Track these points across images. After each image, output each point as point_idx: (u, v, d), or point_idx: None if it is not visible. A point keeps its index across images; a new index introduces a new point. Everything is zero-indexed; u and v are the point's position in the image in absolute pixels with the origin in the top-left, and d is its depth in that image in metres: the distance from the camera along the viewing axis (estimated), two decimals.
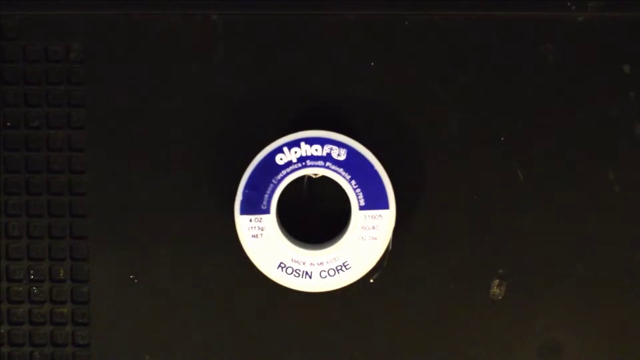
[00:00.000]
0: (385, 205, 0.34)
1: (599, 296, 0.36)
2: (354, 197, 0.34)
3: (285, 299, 0.36)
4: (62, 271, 0.36)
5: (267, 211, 0.34)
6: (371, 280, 0.36)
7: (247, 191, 0.34)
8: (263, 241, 0.34)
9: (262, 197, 0.34)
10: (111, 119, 0.36)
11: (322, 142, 0.34)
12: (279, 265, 0.34)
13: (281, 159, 0.34)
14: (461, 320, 0.36)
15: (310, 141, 0.34)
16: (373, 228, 0.34)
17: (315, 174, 0.34)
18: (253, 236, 0.34)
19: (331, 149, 0.34)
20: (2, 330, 0.37)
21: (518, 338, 0.36)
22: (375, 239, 0.34)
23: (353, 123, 0.35)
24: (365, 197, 0.34)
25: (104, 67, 0.36)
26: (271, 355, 0.37)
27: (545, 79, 0.36)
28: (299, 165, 0.34)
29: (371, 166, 0.34)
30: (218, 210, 0.36)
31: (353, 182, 0.34)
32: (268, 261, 0.34)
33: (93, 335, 0.36)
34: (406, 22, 0.35)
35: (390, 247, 0.35)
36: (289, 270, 0.34)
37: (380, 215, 0.34)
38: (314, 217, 0.36)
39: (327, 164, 0.34)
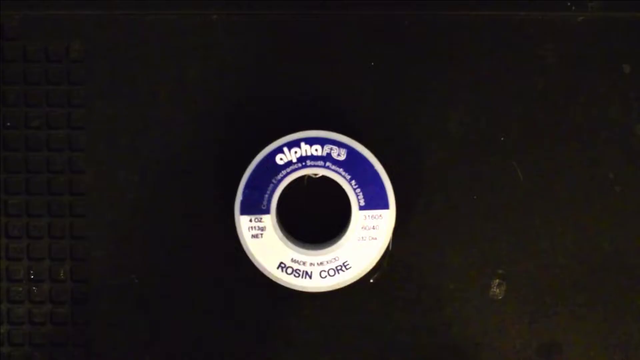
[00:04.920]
0: (385, 205, 0.34)
1: (598, 296, 0.36)
2: (354, 197, 0.34)
3: (285, 299, 0.36)
4: (62, 271, 0.36)
5: (267, 211, 0.34)
6: (371, 280, 0.36)
7: (247, 191, 0.34)
8: (263, 241, 0.34)
9: (262, 197, 0.34)
10: (111, 119, 0.36)
11: (322, 142, 0.34)
12: (279, 265, 0.34)
13: (281, 159, 0.34)
14: (461, 320, 0.36)
15: (310, 141, 0.34)
16: (373, 228, 0.34)
17: (315, 174, 0.34)
18: (253, 236, 0.34)
19: (331, 149, 0.34)
20: (2, 330, 0.37)
21: (518, 338, 0.36)
22: (375, 239, 0.34)
23: (353, 123, 0.35)
24: (365, 197, 0.34)
25: (104, 67, 0.36)
26: (271, 355, 0.37)
27: (545, 79, 0.36)
28: (299, 165, 0.34)
29: (371, 166, 0.34)
30: (218, 210, 0.36)
31: (353, 182, 0.34)
32: (268, 261, 0.34)
33: (93, 335, 0.36)
34: (406, 22, 0.35)
35: (390, 247, 0.35)
36: (289, 270, 0.34)
37: (380, 215, 0.34)
38: (314, 217, 0.36)
39: (327, 164, 0.34)
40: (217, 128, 0.36)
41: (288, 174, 0.34)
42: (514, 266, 0.36)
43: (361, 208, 0.34)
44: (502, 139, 0.36)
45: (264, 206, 0.34)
